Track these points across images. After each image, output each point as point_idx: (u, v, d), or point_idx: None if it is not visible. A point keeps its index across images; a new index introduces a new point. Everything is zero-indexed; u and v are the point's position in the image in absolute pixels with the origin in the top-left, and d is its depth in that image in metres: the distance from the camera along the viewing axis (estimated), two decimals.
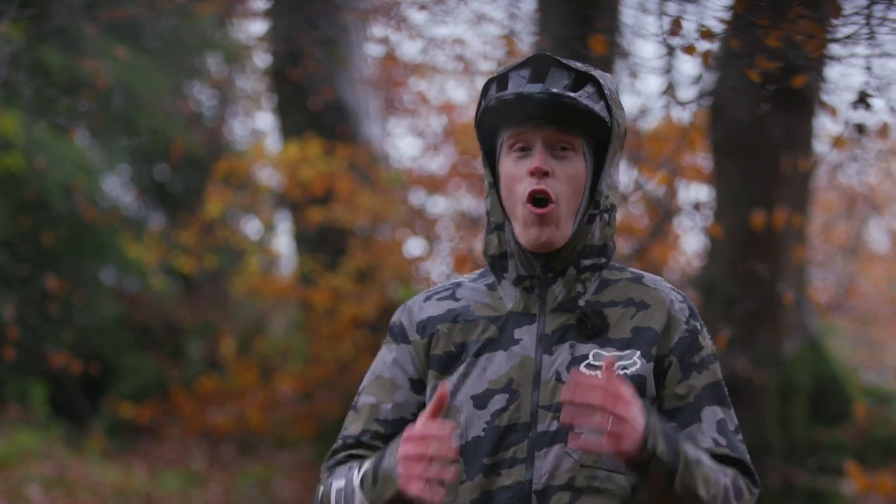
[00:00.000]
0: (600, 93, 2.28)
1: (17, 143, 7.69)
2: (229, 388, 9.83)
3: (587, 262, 2.31)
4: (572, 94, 2.24)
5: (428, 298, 2.39)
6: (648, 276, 2.37)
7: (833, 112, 4.41)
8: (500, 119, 2.30)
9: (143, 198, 12.15)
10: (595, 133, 2.30)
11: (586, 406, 2.07)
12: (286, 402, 9.43)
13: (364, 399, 2.37)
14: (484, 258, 2.40)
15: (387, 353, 2.38)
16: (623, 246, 8.36)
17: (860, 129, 4.15)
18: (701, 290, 7.00)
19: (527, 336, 2.29)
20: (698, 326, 2.32)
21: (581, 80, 2.27)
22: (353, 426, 2.36)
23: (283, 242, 12.25)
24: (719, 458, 2.26)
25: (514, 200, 2.28)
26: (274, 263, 12.22)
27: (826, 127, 6.90)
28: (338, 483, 2.28)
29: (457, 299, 2.37)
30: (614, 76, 6.20)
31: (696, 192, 7.78)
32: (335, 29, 8.03)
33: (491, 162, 2.36)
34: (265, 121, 13.41)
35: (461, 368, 2.30)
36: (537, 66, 2.28)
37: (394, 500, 2.16)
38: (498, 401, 2.25)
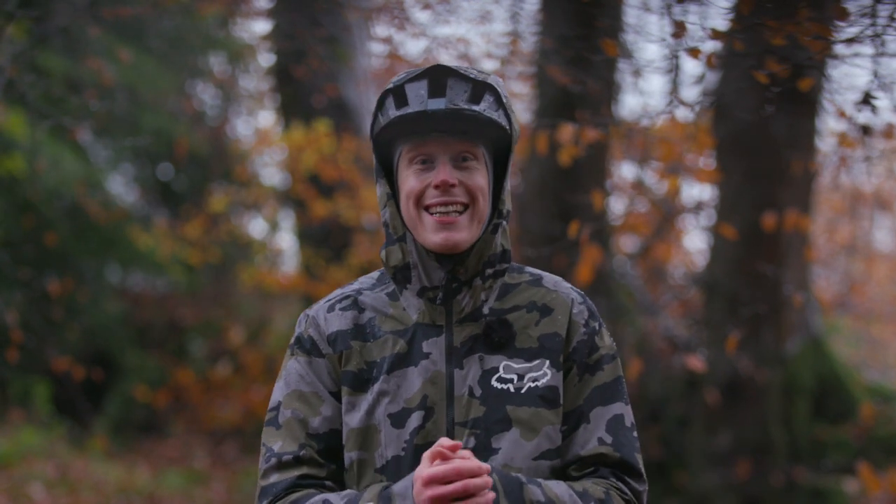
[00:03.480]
0: (499, 101, 2.29)
1: (20, 144, 7.68)
2: (236, 380, 9.84)
3: (491, 270, 2.34)
4: (475, 108, 2.25)
5: (331, 309, 2.38)
6: (548, 277, 2.41)
7: (840, 112, 4.40)
8: (399, 133, 2.30)
9: (146, 196, 12.15)
10: (494, 140, 2.33)
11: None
12: None
13: (285, 414, 2.32)
14: (385, 269, 2.39)
15: (300, 366, 2.35)
16: (627, 244, 8.35)
17: (865, 129, 4.15)
18: (704, 289, 6.98)
19: (435, 349, 2.31)
20: (597, 326, 2.37)
21: (479, 89, 2.28)
22: (284, 443, 2.31)
23: (287, 240, 12.27)
24: (599, 460, 2.29)
25: (418, 212, 2.29)
26: (277, 260, 12.22)
27: (830, 126, 6.89)
28: None
29: (361, 309, 2.37)
30: (617, 74, 6.19)
31: (699, 192, 7.78)
32: (338, 27, 8.02)
33: (387, 174, 2.36)
34: (268, 119, 13.42)
35: (375, 387, 2.30)
36: (434, 78, 2.27)
37: None
38: (415, 419, 2.26)
